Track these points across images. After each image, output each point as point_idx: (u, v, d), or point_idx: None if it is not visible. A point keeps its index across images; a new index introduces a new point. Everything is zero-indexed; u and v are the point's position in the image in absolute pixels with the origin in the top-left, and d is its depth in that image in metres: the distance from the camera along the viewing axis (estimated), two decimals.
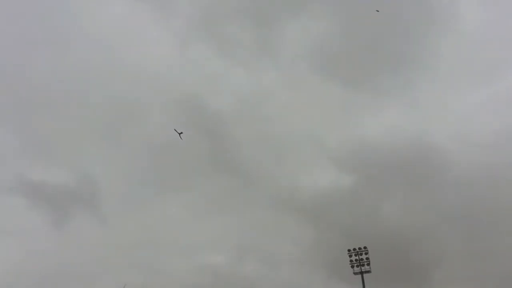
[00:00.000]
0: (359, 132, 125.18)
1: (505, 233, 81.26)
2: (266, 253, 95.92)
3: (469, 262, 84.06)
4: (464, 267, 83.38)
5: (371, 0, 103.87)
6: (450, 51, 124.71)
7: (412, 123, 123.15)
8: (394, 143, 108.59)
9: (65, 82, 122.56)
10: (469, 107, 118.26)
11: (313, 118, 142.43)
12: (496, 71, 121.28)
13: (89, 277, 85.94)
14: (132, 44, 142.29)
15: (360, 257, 62.08)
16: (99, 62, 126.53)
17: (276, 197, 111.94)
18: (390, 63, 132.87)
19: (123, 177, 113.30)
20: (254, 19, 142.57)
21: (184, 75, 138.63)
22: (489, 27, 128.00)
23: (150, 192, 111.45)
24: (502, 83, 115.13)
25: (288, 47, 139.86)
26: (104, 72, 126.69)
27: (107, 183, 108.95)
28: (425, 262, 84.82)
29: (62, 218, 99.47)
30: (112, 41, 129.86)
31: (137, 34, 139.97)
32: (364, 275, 61.19)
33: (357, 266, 61.73)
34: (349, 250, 62.90)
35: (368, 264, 61.64)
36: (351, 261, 62.23)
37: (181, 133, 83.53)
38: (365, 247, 62.58)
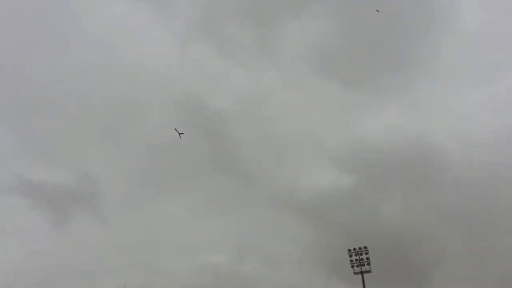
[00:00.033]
0: (359, 132, 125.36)
1: (505, 233, 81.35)
2: (266, 253, 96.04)
3: (469, 262, 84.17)
4: (464, 267, 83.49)
5: (371, 0, 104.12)
6: (450, 51, 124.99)
7: (412, 123, 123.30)
8: (394, 143, 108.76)
9: (65, 82, 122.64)
10: (469, 107, 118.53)
11: (313, 118, 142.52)
12: (496, 71, 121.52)
13: (89, 277, 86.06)
14: (132, 44, 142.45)
15: (360, 257, 62.07)
16: (99, 62, 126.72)
17: (276, 197, 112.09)
18: (390, 63, 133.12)
19: (123, 177, 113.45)
20: (254, 19, 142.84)
21: (184, 75, 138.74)
22: (489, 27, 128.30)
23: (150, 192, 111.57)
24: (502, 83, 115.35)
25: (288, 47, 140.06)
26: (104, 72, 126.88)
27: (107, 183, 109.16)
28: (425, 262, 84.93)
29: (62, 218, 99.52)
30: (112, 41, 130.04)
31: (137, 34, 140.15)
32: (364, 275, 61.18)
33: (357, 266, 61.71)
34: (349, 250, 62.89)
35: (368, 264, 61.63)
36: (351, 261, 62.22)
37: (182, 133, 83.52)
38: (365, 247, 62.57)
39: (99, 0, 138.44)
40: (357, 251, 62.43)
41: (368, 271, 61.37)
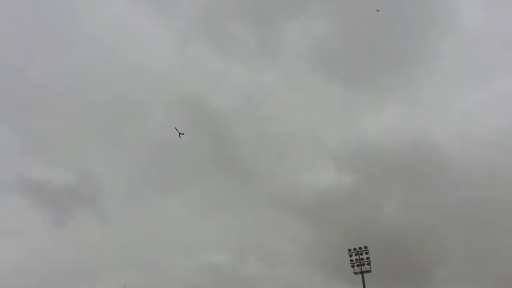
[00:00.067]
0: (359, 131, 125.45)
1: (505, 233, 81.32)
2: (267, 252, 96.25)
3: (469, 262, 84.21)
4: (464, 267, 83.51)
5: None
6: (450, 50, 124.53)
7: (413, 122, 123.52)
8: (394, 142, 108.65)
9: (65, 82, 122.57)
10: (469, 106, 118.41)
11: (313, 117, 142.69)
12: (497, 70, 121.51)
13: (89, 276, 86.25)
14: (132, 43, 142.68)
15: (361, 256, 61.98)
16: (99, 61, 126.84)
17: (277, 197, 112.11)
18: (390, 62, 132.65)
19: (124, 177, 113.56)
20: (254, 19, 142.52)
21: (185, 75, 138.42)
22: (490, 26, 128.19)
23: (151, 192, 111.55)
24: (503, 82, 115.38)
25: (288, 47, 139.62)
26: (105, 71, 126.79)
27: (108, 183, 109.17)
28: (425, 261, 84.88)
29: (63, 218, 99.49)
30: (112, 41, 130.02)
31: (138, 33, 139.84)
32: (365, 274, 61.07)
33: (358, 265, 61.62)
34: (349, 250, 62.79)
35: (369, 264, 61.53)
36: (351, 260, 62.13)
37: (183, 134, 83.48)
38: (365, 247, 62.46)
39: (99, 0, 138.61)
40: (357, 251, 62.33)
41: (368, 271, 61.28)
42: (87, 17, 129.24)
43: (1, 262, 78.55)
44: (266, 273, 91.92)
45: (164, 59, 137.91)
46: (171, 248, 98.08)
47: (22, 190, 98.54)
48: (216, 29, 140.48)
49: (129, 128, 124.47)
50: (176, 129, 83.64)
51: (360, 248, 62.52)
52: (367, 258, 61.88)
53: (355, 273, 61.74)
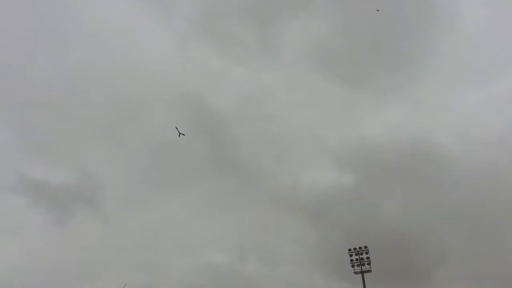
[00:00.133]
0: (359, 131, 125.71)
1: (505, 233, 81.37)
2: (267, 252, 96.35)
3: (469, 261, 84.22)
4: (465, 267, 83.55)
5: None
6: (451, 50, 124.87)
7: (413, 122, 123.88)
8: (395, 142, 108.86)
9: (65, 81, 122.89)
10: (469, 106, 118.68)
11: (313, 117, 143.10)
12: (497, 70, 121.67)
13: (89, 276, 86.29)
14: (132, 43, 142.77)
15: (361, 256, 61.95)
16: (100, 61, 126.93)
17: (277, 197, 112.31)
18: (390, 62, 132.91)
19: (124, 176, 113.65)
20: (254, 19, 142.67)
21: (185, 75, 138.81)
22: (490, 26, 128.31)
23: (151, 191, 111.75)
24: (503, 82, 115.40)
25: (288, 47, 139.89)
26: (105, 71, 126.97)
27: (108, 182, 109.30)
28: (425, 261, 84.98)
29: (63, 217, 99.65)
30: (112, 41, 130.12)
31: (138, 33, 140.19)
32: (365, 274, 61.02)
33: (358, 265, 61.58)
34: (349, 250, 62.75)
35: (369, 264, 61.48)
36: (351, 260, 62.10)
37: (183, 134, 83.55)
38: (365, 247, 62.42)
39: (99, 0, 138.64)
40: (358, 251, 62.30)
41: (369, 271, 61.24)
42: (87, 17, 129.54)
43: (1, 261, 78.71)
44: (266, 273, 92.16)
45: (164, 59, 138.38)
46: (171, 248, 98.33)
47: (22, 189, 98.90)
48: (216, 29, 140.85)
49: (129, 128, 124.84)
50: (176, 128, 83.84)
51: (360, 248, 62.49)
52: (367, 258, 61.84)
53: (355, 273, 61.72)
